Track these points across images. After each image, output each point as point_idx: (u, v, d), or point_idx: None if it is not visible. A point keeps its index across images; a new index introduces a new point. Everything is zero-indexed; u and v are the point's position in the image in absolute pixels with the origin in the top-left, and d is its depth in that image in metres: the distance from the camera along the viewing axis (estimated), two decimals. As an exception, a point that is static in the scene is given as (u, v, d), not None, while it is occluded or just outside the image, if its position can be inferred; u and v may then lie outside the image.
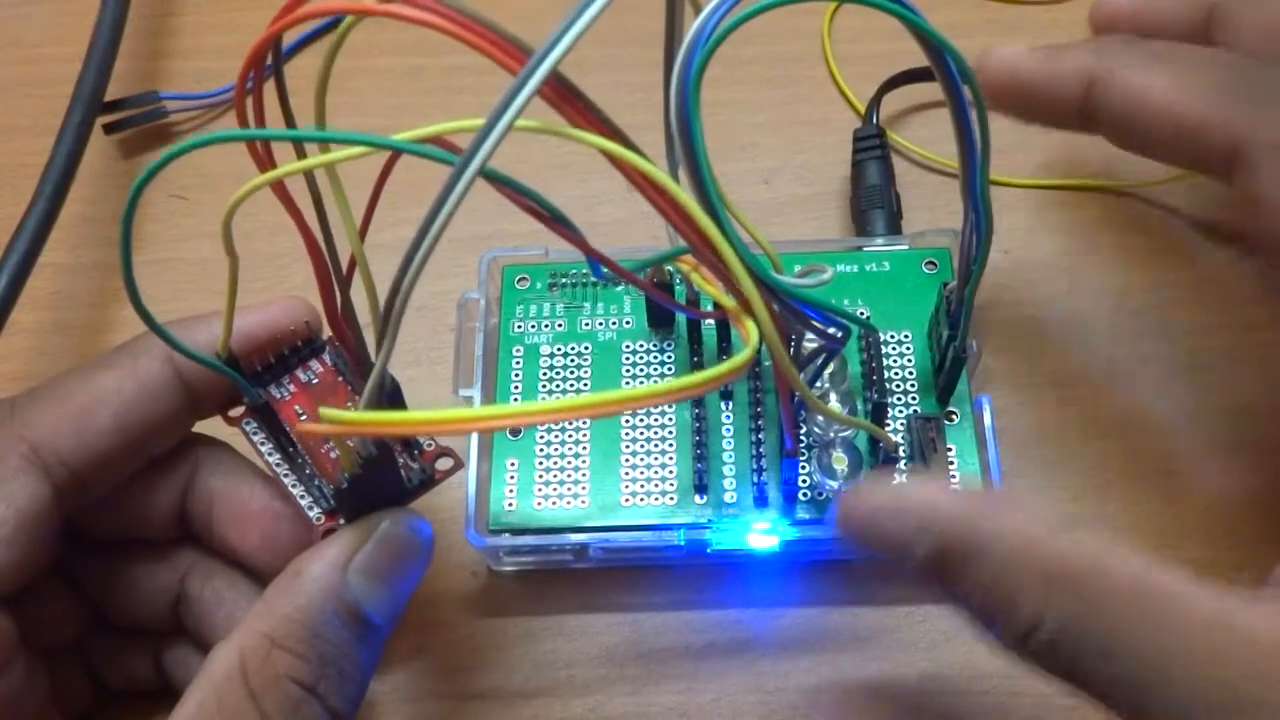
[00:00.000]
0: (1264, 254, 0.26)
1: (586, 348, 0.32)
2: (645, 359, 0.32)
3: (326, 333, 0.27)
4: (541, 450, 0.30)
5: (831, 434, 0.29)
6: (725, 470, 0.30)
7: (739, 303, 0.22)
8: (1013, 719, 0.29)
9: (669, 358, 0.32)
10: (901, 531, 0.22)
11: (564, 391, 0.31)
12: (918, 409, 0.30)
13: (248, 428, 0.27)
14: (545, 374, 0.31)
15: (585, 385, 0.31)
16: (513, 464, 0.30)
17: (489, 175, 0.19)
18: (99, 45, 0.37)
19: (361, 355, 0.26)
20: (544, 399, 0.31)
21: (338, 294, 0.25)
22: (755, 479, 0.29)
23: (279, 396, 0.27)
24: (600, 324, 0.32)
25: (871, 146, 0.36)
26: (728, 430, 0.30)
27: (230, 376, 0.26)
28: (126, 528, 0.27)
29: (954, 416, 0.30)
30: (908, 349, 0.31)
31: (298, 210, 0.23)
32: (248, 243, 0.35)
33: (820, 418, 0.29)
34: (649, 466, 0.30)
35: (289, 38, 0.21)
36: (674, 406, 0.31)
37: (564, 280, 0.33)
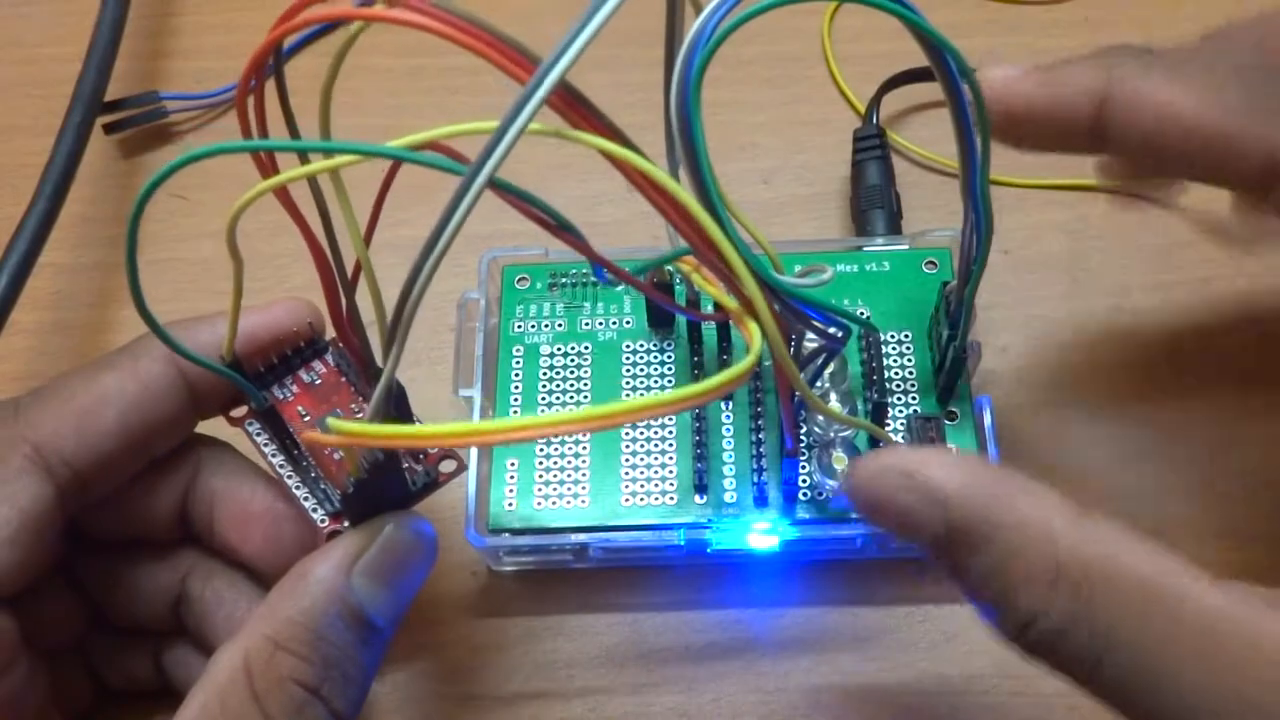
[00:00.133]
0: None
1: (586, 348, 0.32)
2: (645, 359, 0.32)
3: (329, 333, 0.27)
4: (541, 450, 0.30)
5: (831, 434, 0.29)
6: (725, 470, 0.30)
7: (741, 303, 0.22)
8: (1012, 719, 0.29)
9: (669, 357, 0.32)
10: (914, 505, 0.21)
11: (564, 391, 0.31)
12: (918, 409, 0.30)
13: (250, 429, 0.27)
14: (545, 374, 0.31)
15: (585, 385, 0.31)
16: (513, 464, 0.30)
17: (497, 185, 0.19)
18: (99, 45, 0.37)
19: (366, 357, 0.26)
20: (545, 411, 0.31)
21: (343, 299, 0.25)
22: (755, 479, 0.29)
23: (282, 397, 0.27)
24: (600, 324, 0.32)
25: (871, 146, 0.36)
26: (728, 430, 0.30)
27: (235, 381, 0.26)
28: (128, 528, 0.27)
29: (954, 416, 0.30)
30: (908, 349, 0.31)
31: (300, 215, 0.23)
32: (247, 243, 0.35)
33: (820, 418, 0.29)
34: (649, 466, 0.30)
35: (289, 38, 0.21)
36: (675, 407, 0.31)
37: (564, 280, 0.33)
